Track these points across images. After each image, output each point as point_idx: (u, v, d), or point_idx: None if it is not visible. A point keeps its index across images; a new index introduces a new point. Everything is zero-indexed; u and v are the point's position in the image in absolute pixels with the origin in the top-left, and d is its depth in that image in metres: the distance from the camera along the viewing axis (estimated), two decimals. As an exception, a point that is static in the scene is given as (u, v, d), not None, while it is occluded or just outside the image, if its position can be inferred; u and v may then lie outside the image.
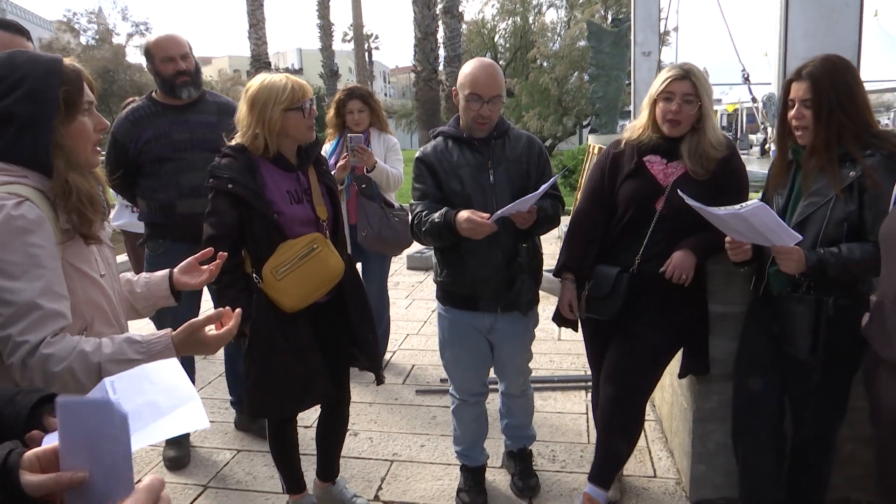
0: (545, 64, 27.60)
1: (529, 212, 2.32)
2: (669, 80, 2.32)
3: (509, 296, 2.50)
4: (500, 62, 32.33)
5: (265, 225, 2.22)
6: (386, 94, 58.66)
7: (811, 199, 2.14)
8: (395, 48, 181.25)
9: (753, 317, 2.41)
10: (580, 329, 2.69)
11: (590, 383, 3.97)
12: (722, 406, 2.58)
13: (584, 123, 28.28)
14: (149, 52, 3.04)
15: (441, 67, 17.41)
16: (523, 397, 2.82)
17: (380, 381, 2.56)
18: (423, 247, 7.28)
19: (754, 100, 5.38)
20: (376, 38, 51.57)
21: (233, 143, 2.30)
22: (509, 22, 31.82)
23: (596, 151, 8.16)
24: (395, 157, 3.97)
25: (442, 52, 17.37)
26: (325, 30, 24.10)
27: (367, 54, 24.55)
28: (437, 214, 2.39)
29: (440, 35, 17.11)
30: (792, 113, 2.16)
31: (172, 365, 1.21)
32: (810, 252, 2.06)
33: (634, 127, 2.49)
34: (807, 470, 2.34)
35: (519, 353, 2.69)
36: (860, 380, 2.07)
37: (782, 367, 2.29)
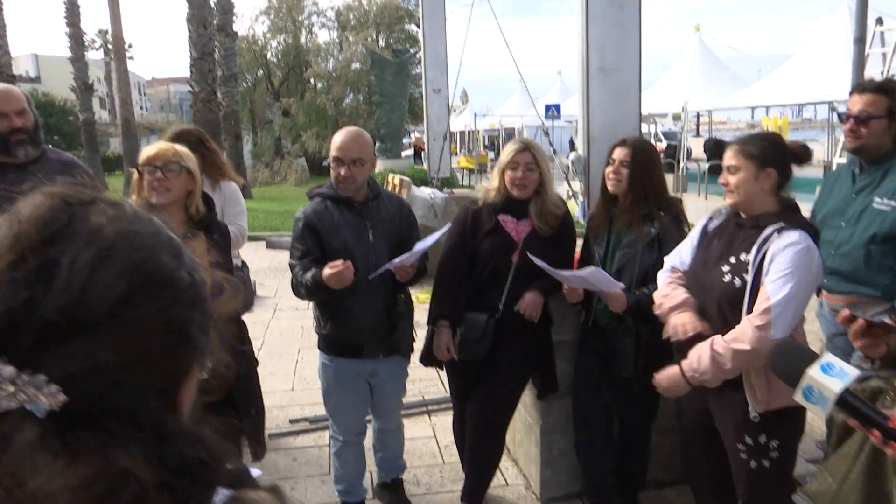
0: (321, 84, 27.85)
1: (411, 266, 2.66)
2: (513, 152, 2.81)
3: (391, 341, 2.80)
4: (274, 80, 31.89)
5: None
6: (142, 108, 54.20)
7: (624, 250, 2.77)
8: (150, 58, 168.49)
9: (584, 343, 2.99)
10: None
11: (431, 407, 4.40)
12: (562, 419, 3.12)
13: (363, 144, 29.02)
14: None
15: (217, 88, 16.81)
16: (398, 430, 3.12)
17: (257, 456, 2.72)
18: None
19: (555, 153, 6.27)
20: (130, 46, 47.49)
21: None
22: (281, 39, 31.52)
23: (397, 182, 8.65)
24: (234, 210, 3.57)
25: (218, 72, 16.79)
26: (77, 39, 21.76)
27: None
28: (307, 276, 2.60)
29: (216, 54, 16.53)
30: (611, 168, 2.76)
31: None
32: (629, 294, 2.66)
33: (487, 190, 2.93)
34: (633, 461, 2.97)
35: (398, 391, 3.00)
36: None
37: (609, 382, 2.89)
